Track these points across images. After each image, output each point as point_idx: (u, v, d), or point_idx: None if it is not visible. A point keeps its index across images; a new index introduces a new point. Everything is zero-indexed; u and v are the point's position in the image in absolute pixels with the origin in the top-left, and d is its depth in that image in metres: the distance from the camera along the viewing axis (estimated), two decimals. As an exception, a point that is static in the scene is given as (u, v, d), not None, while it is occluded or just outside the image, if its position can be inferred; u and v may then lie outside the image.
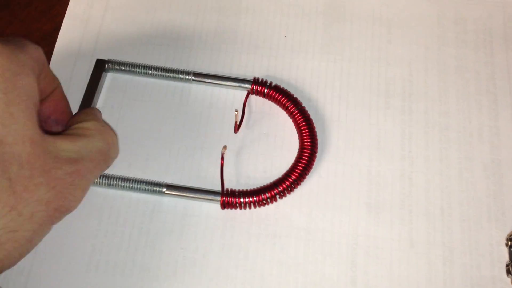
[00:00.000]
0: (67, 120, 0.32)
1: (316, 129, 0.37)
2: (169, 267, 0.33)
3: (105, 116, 0.37)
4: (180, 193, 0.35)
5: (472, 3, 0.42)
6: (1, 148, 0.23)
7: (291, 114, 0.37)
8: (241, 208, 0.35)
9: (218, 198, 0.34)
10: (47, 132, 0.26)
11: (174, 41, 0.41)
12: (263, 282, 0.33)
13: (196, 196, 0.35)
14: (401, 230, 0.35)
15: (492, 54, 0.40)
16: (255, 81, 0.38)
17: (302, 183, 0.35)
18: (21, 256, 0.25)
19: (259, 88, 0.38)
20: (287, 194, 0.35)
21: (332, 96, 0.39)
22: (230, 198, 0.34)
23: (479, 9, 0.42)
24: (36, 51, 0.27)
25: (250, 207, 0.35)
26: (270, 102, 0.38)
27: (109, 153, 0.30)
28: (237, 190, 0.35)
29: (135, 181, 0.35)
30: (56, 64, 0.39)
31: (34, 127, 0.25)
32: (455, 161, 0.37)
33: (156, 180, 0.35)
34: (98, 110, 0.34)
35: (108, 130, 0.30)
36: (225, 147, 0.35)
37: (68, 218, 0.27)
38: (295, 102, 0.37)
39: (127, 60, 0.39)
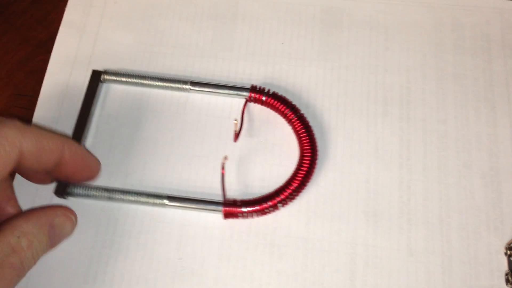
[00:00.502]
0: (93, 174, 0.34)
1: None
2: (167, 277, 0.33)
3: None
4: (181, 204, 0.34)
5: (469, 9, 0.42)
6: None
7: (290, 121, 0.37)
8: (243, 217, 0.34)
9: (220, 208, 0.34)
10: None
11: (170, 49, 0.40)
12: (261, 292, 0.33)
13: (198, 206, 0.34)
14: (399, 239, 0.35)
15: (490, 60, 0.40)
16: (253, 89, 0.38)
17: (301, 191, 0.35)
18: None
19: (257, 96, 0.37)
20: (289, 202, 0.35)
21: (329, 104, 0.39)
22: (233, 208, 0.34)
23: (476, 15, 0.42)
24: (10, 132, 0.27)
25: (252, 217, 0.34)
26: (268, 109, 0.38)
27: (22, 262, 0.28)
28: (238, 199, 0.35)
29: (136, 193, 0.34)
30: (52, 72, 0.39)
31: None
32: (453, 169, 0.37)
33: (155, 192, 0.35)
34: (45, 214, 0.30)
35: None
36: (226, 157, 0.35)
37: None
38: (294, 109, 0.37)
39: (123, 69, 0.38)
